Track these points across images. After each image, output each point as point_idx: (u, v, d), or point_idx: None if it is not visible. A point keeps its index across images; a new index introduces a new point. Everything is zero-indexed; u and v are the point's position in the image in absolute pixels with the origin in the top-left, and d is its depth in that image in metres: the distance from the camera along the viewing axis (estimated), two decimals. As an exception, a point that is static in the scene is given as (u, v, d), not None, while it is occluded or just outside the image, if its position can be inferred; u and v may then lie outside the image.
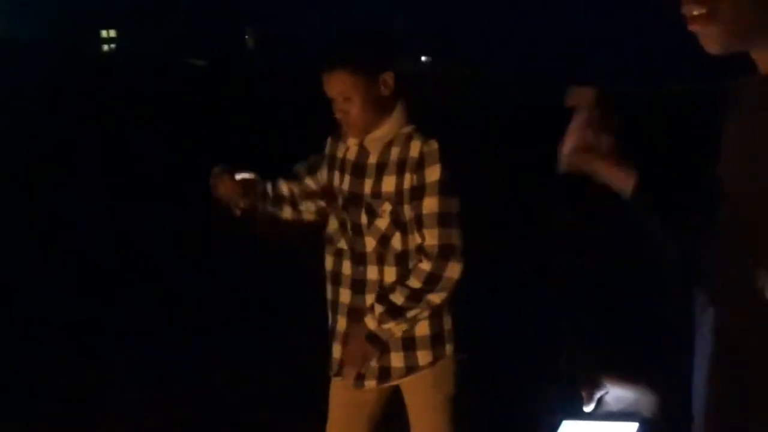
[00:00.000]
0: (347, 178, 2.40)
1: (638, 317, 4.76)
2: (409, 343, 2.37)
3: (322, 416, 2.61)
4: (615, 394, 1.26)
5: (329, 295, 2.49)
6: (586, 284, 5.58)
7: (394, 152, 2.31)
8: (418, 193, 2.27)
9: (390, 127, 2.32)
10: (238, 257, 6.40)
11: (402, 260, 2.33)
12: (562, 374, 2.81)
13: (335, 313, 2.47)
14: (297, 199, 2.58)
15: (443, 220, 2.27)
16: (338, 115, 2.33)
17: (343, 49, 2.32)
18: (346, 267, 2.41)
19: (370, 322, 2.32)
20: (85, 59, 30.38)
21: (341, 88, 2.27)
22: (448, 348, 2.41)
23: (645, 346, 3.64)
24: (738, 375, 1.13)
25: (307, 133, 2.58)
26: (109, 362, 4.47)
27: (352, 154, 2.40)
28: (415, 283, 2.29)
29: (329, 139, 2.52)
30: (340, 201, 2.43)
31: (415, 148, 2.28)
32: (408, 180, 2.28)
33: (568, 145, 1.22)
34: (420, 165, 2.26)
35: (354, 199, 2.38)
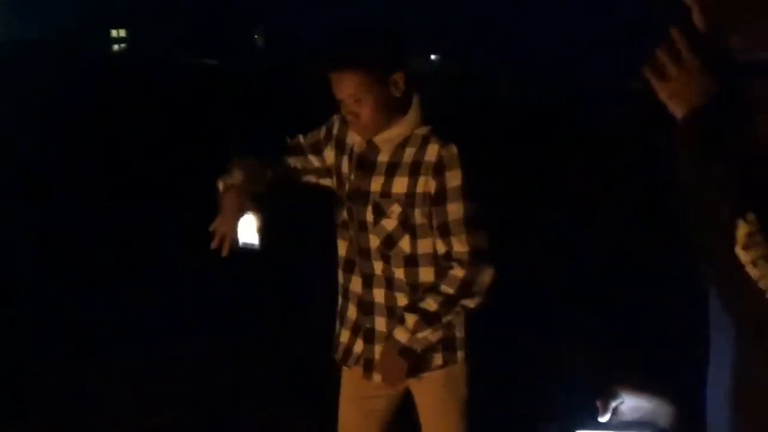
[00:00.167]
0: (354, 170, 2.36)
1: (655, 323, 4.77)
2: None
3: (325, 415, 2.61)
4: (630, 403, 1.24)
5: (341, 280, 2.45)
6: (599, 288, 5.58)
7: (408, 153, 2.26)
8: (440, 199, 2.22)
9: (403, 127, 2.27)
10: (239, 257, 6.39)
11: (411, 262, 2.30)
12: (575, 382, 2.79)
13: (346, 300, 2.44)
14: (287, 175, 2.46)
15: (470, 224, 2.22)
16: (348, 117, 2.27)
17: (352, 50, 2.25)
18: (357, 256, 2.39)
19: (402, 335, 2.26)
20: (96, 58, 30.55)
21: (351, 90, 2.21)
22: (460, 354, 2.39)
23: (662, 354, 3.63)
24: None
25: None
26: (110, 362, 4.47)
27: (359, 147, 2.35)
28: (448, 290, 2.24)
29: (337, 121, 2.44)
30: (347, 190, 2.39)
31: (432, 152, 2.22)
32: (422, 183, 2.23)
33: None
34: (439, 170, 2.21)
35: (359, 195, 2.34)
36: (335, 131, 2.44)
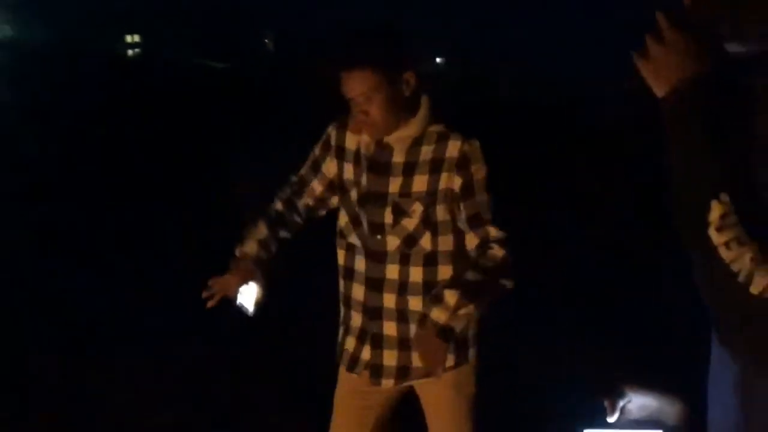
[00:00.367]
0: (365, 174, 2.32)
1: (656, 321, 4.77)
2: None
3: (325, 415, 2.61)
4: (638, 402, 1.24)
5: (342, 289, 2.43)
6: (599, 287, 5.58)
7: (425, 151, 2.25)
8: (468, 192, 2.22)
9: (415, 126, 2.26)
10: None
11: (430, 261, 2.28)
12: (577, 382, 2.80)
13: (348, 308, 2.41)
14: (302, 218, 2.50)
15: (501, 212, 2.25)
16: (357, 117, 2.24)
17: (364, 48, 2.21)
18: (359, 263, 2.35)
19: (440, 314, 2.18)
20: (112, 62, 30.94)
21: (362, 88, 2.18)
22: (471, 352, 2.37)
23: (665, 353, 3.63)
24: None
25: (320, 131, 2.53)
26: (110, 362, 4.46)
27: (369, 150, 2.31)
28: (488, 263, 2.21)
29: (333, 130, 2.42)
30: (354, 195, 2.36)
31: (453, 148, 2.22)
32: (444, 180, 2.23)
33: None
34: (463, 164, 2.21)
35: (374, 198, 2.31)
36: (333, 141, 2.42)
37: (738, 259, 1.05)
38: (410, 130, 2.26)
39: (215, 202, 8.66)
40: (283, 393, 4.09)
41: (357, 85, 2.19)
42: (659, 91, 1.19)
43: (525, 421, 3.57)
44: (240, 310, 2.43)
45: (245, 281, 2.40)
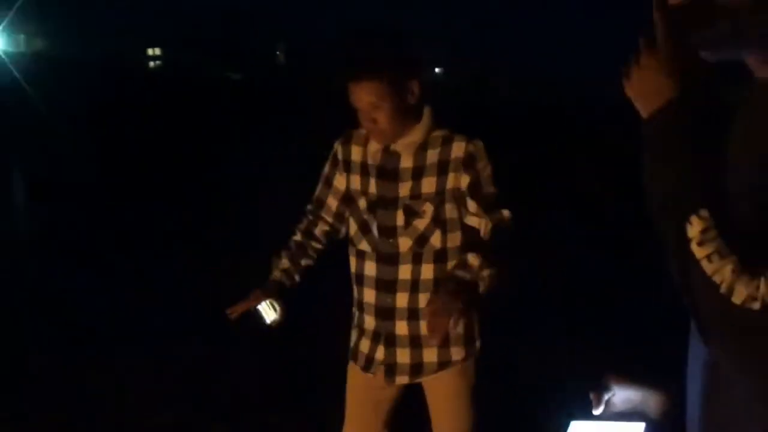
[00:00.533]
0: (373, 181, 2.42)
1: (642, 315, 4.77)
2: (443, 340, 2.37)
3: (325, 414, 2.61)
4: (622, 395, 1.28)
5: (355, 294, 2.52)
6: (604, 287, 5.59)
7: (431, 154, 2.35)
8: (475, 188, 2.32)
9: (420, 132, 2.36)
10: (240, 256, 6.40)
11: (440, 257, 2.37)
12: (572, 378, 2.82)
13: (361, 311, 2.50)
14: (323, 244, 2.58)
15: (508, 203, 2.34)
16: (365, 125, 2.34)
17: (371, 59, 2.32)
18: (369, 268, 2.44)
19: (465, 274, 2.20)
20: (134, 74, 31.96)
21: (370, 98, 2.28)
22: (478, 343, 2.46)
23: (649, 344, 3.63)
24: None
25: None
26: (110, 362, 4.47)
27: (376, 159, 2.41)
28: (507, 234, 2.31)
29: (339, 146, 2.51)
30: (362, 204, 2.45)
31: (458, 149, 2.32)
32: (452, 179, 2.33)
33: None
34: (469, 163, 2.31)
35: (384, 202, 2.40)
36: (340, 156, 2.51)
37: (719, 270, 1.08)
38: (415, 136, 2.36)
39: (215, 202, 8.69)
40: (283, 393, 4.09)
41: (365, 96, 2.29)
42: (642, 111, 1.22)
43: (525, 420, 3.58)
44: (256, 317, 2.53)
45: (270, 298, 2.52)
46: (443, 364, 2.43)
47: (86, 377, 4.28)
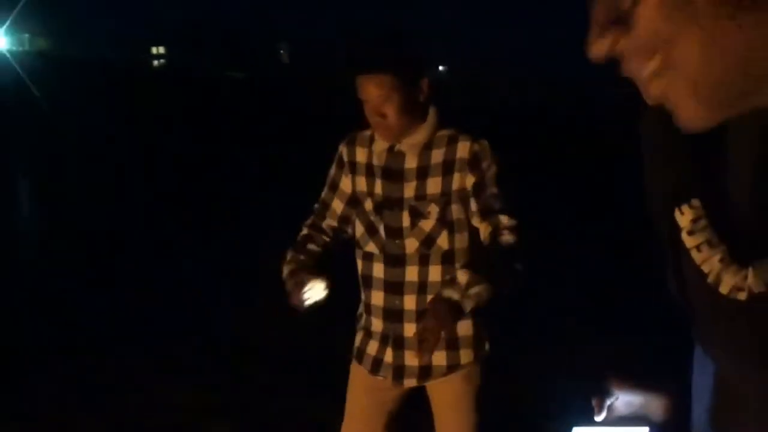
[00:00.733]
0: (379, 182, 2.40)
1: (642, 315, 4.77)
2: (452, 343, 2.39)
3: (325, 413, 2.61)
4: (624, 399, 1.27)
5: (362, 296, 2.51)
6: (604, 287, 5.59)
7: (436, 154, 2.33)
8: (480, 188, 2.30)
9: (425, 132, 2.34)
10: (241, 256, 6.41)
11: (448, 259, 2.35)
12: (575, 381, 2.81)
13: (369, 314, 2.49)
14: (330, 237, 2.55)
15: (512, 204, 2.31)
16: (373, 119, 2.31)
17: (384, 52, 2.29)
18: (377, 270, 2.43)
19: (453, 293, 2.19)
20: (138, 73, 32.17)
21: (381, 91, 2.25)
22: (487, 346, 2.44)
23: (650, 345, 3.63)
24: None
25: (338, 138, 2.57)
26: (110, 362, 4.47)
27: (381, 160, 2.40)
28: (500, 248, 2.26)
29: (344, 147, 2.50)
30: (368, 205, 2.44)
31: (463, 149, 2.30)
32: (457, 180, 2.31)
33: None
34: (474, 163, 2.29)
35: (390, 203, 2.38)
36: (345, 157, 2.50)
37: (707, 260, 1.08)
38: (420, 135, 2.34)
39: (216, 202, 8.69)
40: (284, 392, 4.10)
41: (376, 89, 2.26)
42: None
43: (525, 421, 3.58)
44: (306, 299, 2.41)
45: (304, 285, 2.39)
46: (452, 367, 2.41)
47: (86, 377, 4.28)
